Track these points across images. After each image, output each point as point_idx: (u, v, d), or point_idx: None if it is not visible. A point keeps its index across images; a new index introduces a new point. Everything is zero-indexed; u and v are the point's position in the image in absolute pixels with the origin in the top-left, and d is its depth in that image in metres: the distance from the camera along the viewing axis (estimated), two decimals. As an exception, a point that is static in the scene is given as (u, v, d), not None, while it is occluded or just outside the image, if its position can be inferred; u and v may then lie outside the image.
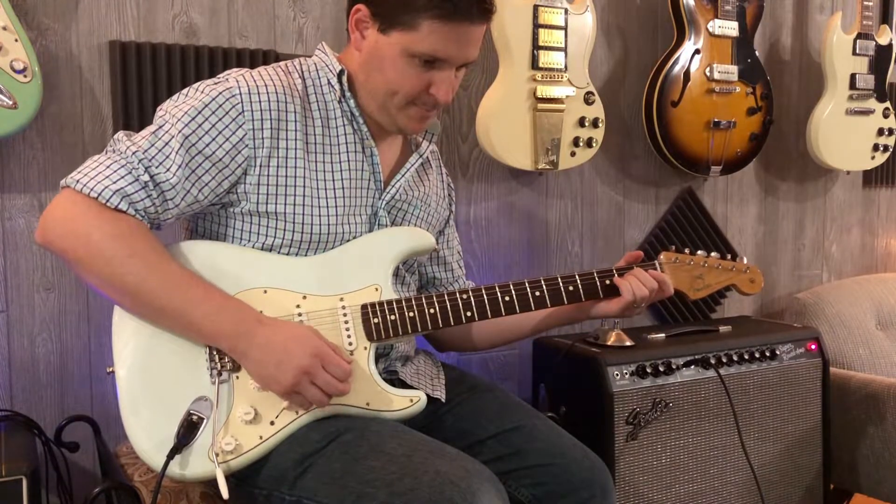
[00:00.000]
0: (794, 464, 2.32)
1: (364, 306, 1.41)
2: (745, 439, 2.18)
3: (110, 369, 1.35)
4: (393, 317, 1.42)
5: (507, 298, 1.48)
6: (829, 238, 3.00)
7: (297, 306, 1.39)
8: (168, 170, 1.33)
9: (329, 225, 1.44)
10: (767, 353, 2.27)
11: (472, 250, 2.33)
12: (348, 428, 1.33)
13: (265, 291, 1.38)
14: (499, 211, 2.36)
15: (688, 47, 2.42)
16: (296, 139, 1.41)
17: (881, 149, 2.81)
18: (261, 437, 1.33)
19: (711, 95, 2.46)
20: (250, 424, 1.33)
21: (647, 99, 2.44)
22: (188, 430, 1.30)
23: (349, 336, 1.40)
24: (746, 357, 2.23)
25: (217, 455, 1.30)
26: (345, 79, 1.46)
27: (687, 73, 2.42)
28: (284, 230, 1.42)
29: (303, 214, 1.42)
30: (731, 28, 2.46)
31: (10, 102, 1.65)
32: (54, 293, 1.86)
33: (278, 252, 1.43)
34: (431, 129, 1.59)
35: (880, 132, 2.79)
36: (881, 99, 2.77)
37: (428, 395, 1.45)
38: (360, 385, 1.39)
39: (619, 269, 1.56)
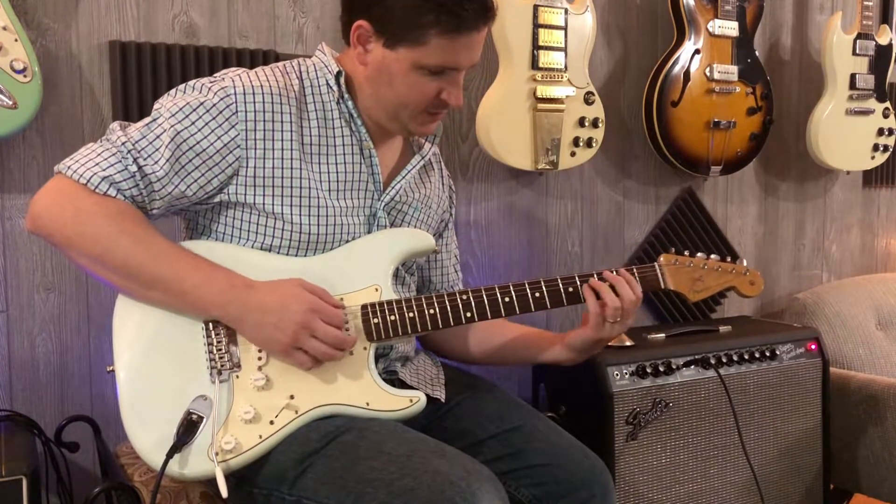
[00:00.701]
0: (794, 464, 2.32)
1: (364, 306, 1.41)
2: (745, 439, 2.18)
3: (110, 368, 1.35)
4: (393, 317, 1.42)
5: (507, 299, 1.48)
6: (829, 238, 3.01)
7: (297, 306, 1.39)
8: (156, 162, 1.34)
9: (327, 226, 1.44)
10: (767, 353, 2.27)
11: (472, 250, 2.33)
12: (348, 428, 1.33)
13: (265, 291, 1.39)
14: (499, 211, 2.36)
15: (688, 47, 2.42)
16: (291, 139, 1.41)
17: (881, 149, 2.81)
18: (260, 437, 1.33)
19: (711, 95, 2.46)
20: (250, 423, 1.33)
21: (647, 99, 2.44)
22: (188, 429, 1.30)
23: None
24: (746, 357, 2.23)
25: (217, 454, 1.30)
26: (342, 80, 1.47)
27: (687, 73, 2.42)
28: (283, 230, 1.42)
29: (300, 215, 1.42)
30: (731, 28, 2.46)
31: (10, 102, 1.65)
32: (54, 293, 1.86)
33: (278, 252, 1.43)
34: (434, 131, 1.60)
35: (880, 132, 2.79)
36: (881, 99, 2.77)
37: (428, 396, 1.45)
38: (360, 385, 1.39)
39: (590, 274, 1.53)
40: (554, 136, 2.22)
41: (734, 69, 2.48)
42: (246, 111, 1.38)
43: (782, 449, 2.29)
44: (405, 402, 1.40)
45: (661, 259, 1.61)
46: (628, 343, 2.14)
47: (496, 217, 2.36)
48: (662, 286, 1.59)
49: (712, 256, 1.64)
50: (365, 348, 1.41)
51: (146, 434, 1.31)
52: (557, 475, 1.44)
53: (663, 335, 2.26)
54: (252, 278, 1.38)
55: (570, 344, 1.56)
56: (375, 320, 1.41)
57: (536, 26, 2.16)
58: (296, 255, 1.44)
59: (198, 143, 1.36)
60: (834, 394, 2.39)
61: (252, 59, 1.98)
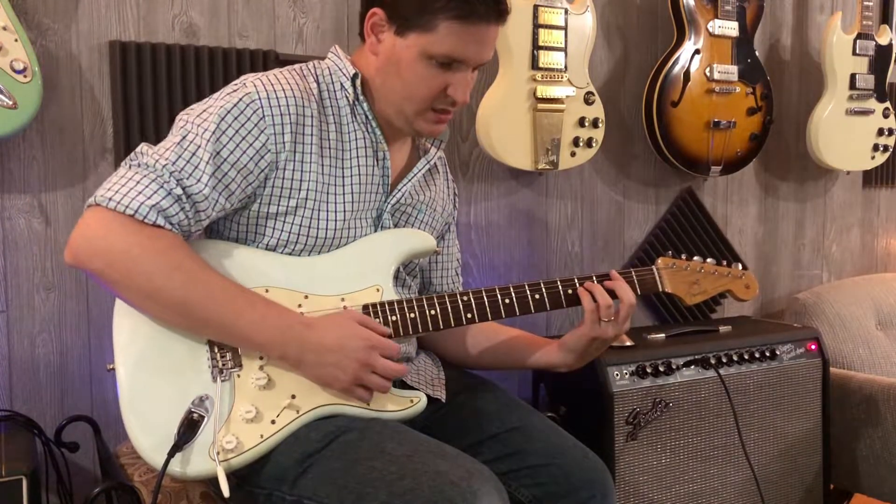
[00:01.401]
0: (794, 464, 2.32)
1: (365, 307, 1.41)
2: (745, 439, 2.18)
3: (111, 366, 1.35)
4: (394, 317, 1.42)
5: (507, 301, 1.48)
6: (829, 238, 3.01)
7: (299, 306, 1.39)
8: (199, 181, 1.32)
9: (336, 229, 1.44)
10: (767, 353, 2.27)
11: (472, 250, 2.33)
12: (349, 428, 1.33)
13: (267, 290, 1.38)
14: (499, 211, 2.36)
15: (688, 47, 2.42)
16: (312, 143, 1.41)
17: (881, 149, 2.81)
18: (262, 436, 1.33)
19: (711, 95, 2.46)
20: (251, 423, 1.33)
21: (647, 99, 2.44)
22: (189, 428, 1.29)
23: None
24: (746, 357, 2.23)
25: (218, 453, 1.29)
26: (358, 82, 1.46)
27: (687, 74, 2.42)
28: (290, 231, 1.42)
29: (310, 218, 1.42)
30: (731, 28, 2.46)
31: (10, 102, 1.65)
32: (54, 293, 1.86)
33: (281, 252, 1.43)
34: (439, 136, 1.60)
35: (880, 132, 2.79)
36: (881, 99, 2.77)
37: (428, 396, 1.46)
38: (361, 385, 1.39)
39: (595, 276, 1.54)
40: (554, 136, 2.22)
41: (734, 69, 2.48)
42: (272, 115, 1.36)
43: (782, 449, 2.29)
44: (406, 402, 1.40)
45: (659, 262, 1.63)
46: (628, 343, 2.14)
47: (496, 217, 2.36)
48: (660, 289, 1.60)
49: (708, 260, 1.67)
50: (366, 348, 1.41)
51: (147, 433, 1.31)
52: (557, 475, 1.44)
53: (663, 335, 2.26)
54: (254, 277, 1.38)
55: (566, 344, 1.56)
56: (377, 320, 1.41)
57: (536, 26, 2.16)
58: (300, 255, 1.44)
59: (232, 153, 1.34)
60: (834, 394, 2.39)
61: (252, 59, 1.98)
